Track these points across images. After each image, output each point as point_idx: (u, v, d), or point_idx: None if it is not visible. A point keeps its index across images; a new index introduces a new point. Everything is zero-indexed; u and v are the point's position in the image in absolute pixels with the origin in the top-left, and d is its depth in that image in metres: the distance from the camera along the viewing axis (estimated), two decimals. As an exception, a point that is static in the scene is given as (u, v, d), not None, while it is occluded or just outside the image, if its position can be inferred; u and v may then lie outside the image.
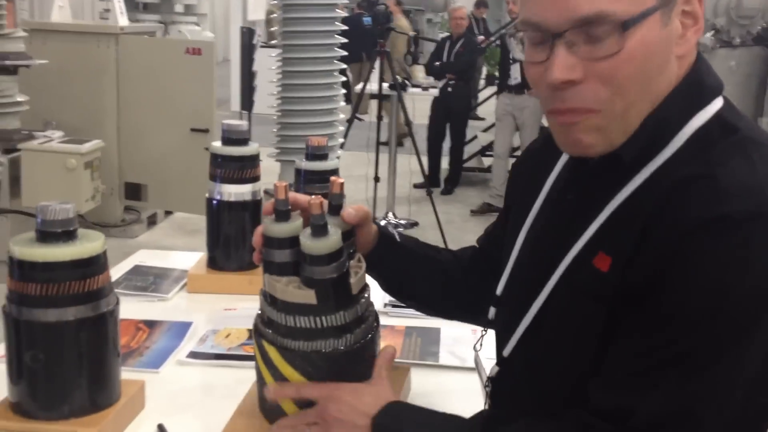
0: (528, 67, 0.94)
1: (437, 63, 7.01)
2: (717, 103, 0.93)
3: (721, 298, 0.82)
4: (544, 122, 7.62)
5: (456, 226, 6.33)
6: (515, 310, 1.05)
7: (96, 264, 1.21)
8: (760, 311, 0.83)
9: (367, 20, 7.52)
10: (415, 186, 7.07)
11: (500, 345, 1.10)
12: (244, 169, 1.87)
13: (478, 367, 1.53)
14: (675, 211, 0.84)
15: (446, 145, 7.46)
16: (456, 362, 1.58)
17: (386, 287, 1.30)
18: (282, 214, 1.05)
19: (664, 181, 0.88)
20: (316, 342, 1.05)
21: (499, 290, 1.15)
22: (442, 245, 5.60)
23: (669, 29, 0.88)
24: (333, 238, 1.02)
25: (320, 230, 1.01)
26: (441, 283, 1.29)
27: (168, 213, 6.00)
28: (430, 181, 6.89)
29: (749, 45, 5.14)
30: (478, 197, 7.35)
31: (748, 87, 5.10)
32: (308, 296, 1.03)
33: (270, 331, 1.09)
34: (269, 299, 1.08)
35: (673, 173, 0.88)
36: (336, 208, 1.09)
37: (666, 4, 0.87)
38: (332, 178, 1.08)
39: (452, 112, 7.19)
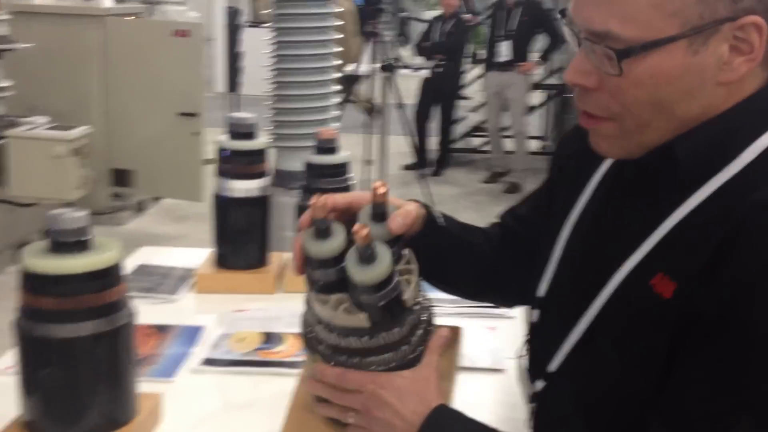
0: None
1: (427, 43, 6.94)
2: None
3: None
4: (534, 101, 7.63)
5: (448, 207, 6.26)
6: (562, 321, 0.99)
7: (112, 275, 1.15)
8: None
9: (358, 0, 7.41)
10: (406, 168, 7.04)
11: (545, 357, 1.04)
12: (253, 163, 1.80)
13: (520, 376, 1.47)
14: (753, 240, 0.79)
15: (433, 125, 7.39)
16: (476, 363, 1.54)
17: (421, 270, 1.23)
18: (322, 232, 0.97)
19: (736, 201, 0.82)
20: (370, 358, 0.98)
21: (541, 291, 1.09)
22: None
23: (703, 57, 0.83)
24: (382, 266, 0.93)
25: (368, 258, 0.93)
26: (474, 269, 1.23)
27: (156, 199, 5.91)
28: (418, 162, 6.87)
29: None
30: (467, 178, 7.32)
31: None
32: (360, 320, 0.96)
33: (321, 347, 1.02)
34: (317, 318, 1.01)
35: (743, 194, 0.82)
36: (380, 216, 1.01)
37: (698, 32, 0.82)
38: (374, 185, 0.99)
39: (441, 93, 7.12)
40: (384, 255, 0.94)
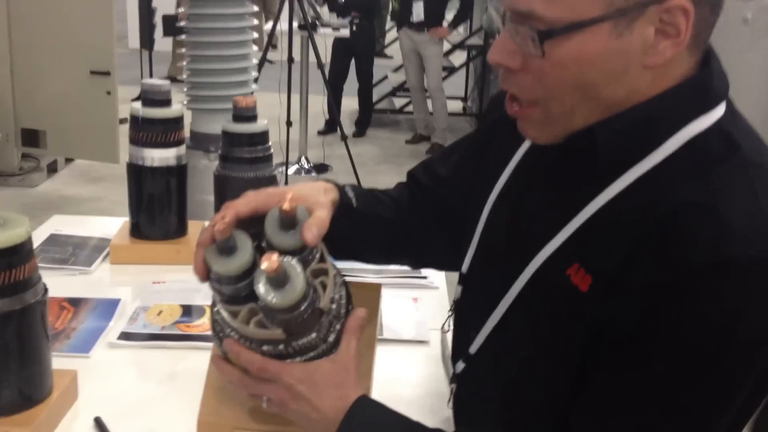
0: None
1: (341, 0, 6.82)
2: (719, 110, 0.86)
3: (717, 348, 0.77)
4: (455, 61, 7.65)
5: (368, 169, 6.28)
6: (483, 302, 0.99)
7: (21, 252, 1.11)
8: (753, 361, 0.79)
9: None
10: (319, 133, 6.97)
11: (466, 338, 1.04)
12: (168, 132, 1.76)
13: (443, 350, 1.49)
14: (674, 245, 0.77)
15: (353, 86, 7.32)
16: (399, 335, 1.55)
17: (330, 249, 1.22)
18: (226, 250, 0.91)
19: (655, 196, 0.81)
20: (288, 359, 0.94)
21: (464, 267, 1.09)
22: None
23: (628, 40, 0.80)
24: (296, 289, 0.88)
25: (280, 283, 0.88)
26: (384, 239, 1.21)
27: (69, 160, 5.73)
28: (329, 124, 6.80)
29: None
30: (389, 139, 7.32)
31: (764, 40, 4.81)
32: (275, 333, 0.91)
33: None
34: (228, 328, 0.95)
35: (664, 190, 0.81)
36: (289, 224, 0.94)
37: (622, 14, 0.79)
38: (283, 199, 0.92)
39: (357, 52, 6.99)
40: (296, 276, 0.89)
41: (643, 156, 0.84)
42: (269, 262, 0.86)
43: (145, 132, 1.75)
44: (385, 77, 8.39)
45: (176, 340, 1.45)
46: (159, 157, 1.76)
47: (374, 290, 1.12)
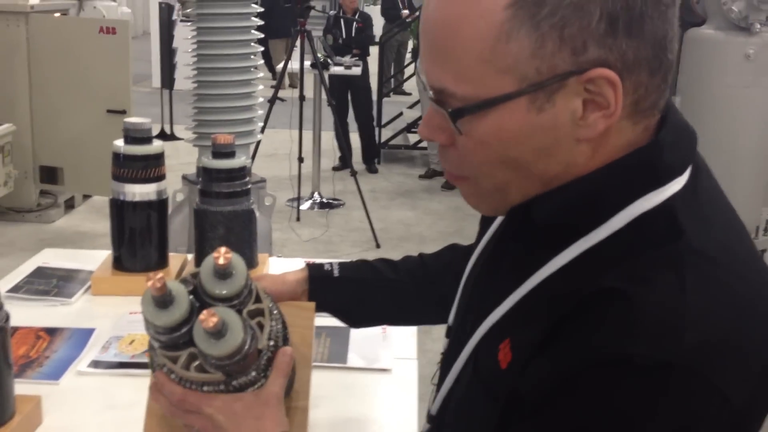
0: None
1: (341, 39, 6.90)
2: (674, 186, 0.78)
3: None
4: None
5: (382, 204, 6.34)
6: (448, 361, 0.97)
7: (-18, 282, 1.17)
8: None
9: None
10: (333, 169, 7.03)
11: (434, 396, 1.01)
12: (149, 168, 1.82)
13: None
14: (580, 333, 0.72)
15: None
16: (364, 364, 1.59)
17: (346, 322, 1.27)
18: (162, 303, 0.92)
19: (588, 277, 0.75)
20: (227, 395, 0.98)
21: (450, 319, 1.07)
22: (367, 224, 5.48)
23: (551, 113, 0.75)
24: (235, 339, 0.91)
25: (218, 334, 0.91)
26: (401, 303, 1.25)
27: (86, 197, 5.86)
28: (343, 160, 6.83)
29: None
30: (403, 174, 7.38)
31: (766, 77, 4.61)
32: (215, 376, 0.95)
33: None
34: (166, 370, 0.98)
35: (596, 272, 0.74)
36: (224, 275, 0.97)
37: (538, 88, 0.74)
38: (214, 253, 0.95)
39: (353, 88, 7.01)
40: (235, 325, 0.92)
41: (586, 231, 0.78)
42: (208, 321, 0.88)
43: (126, 168, 1.82)
44: (401, 114, 8.48)
45: (144, 368, 1.50)
46: (140, 192, 1.83)
47: (308, 309, 1.17)
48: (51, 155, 5.25)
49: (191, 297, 0.95)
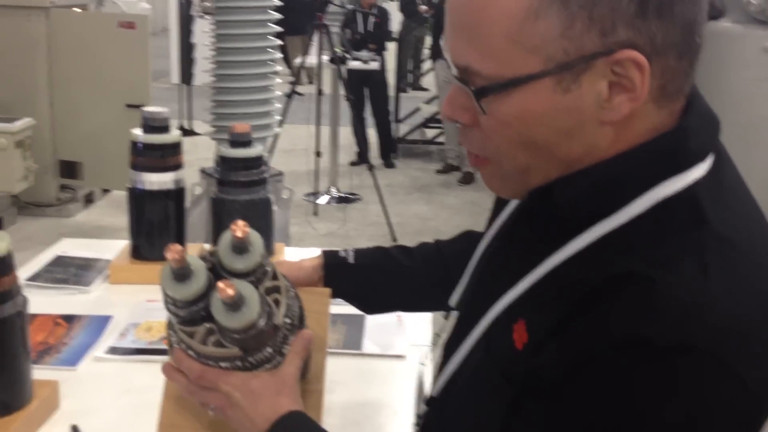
0: None
1: (357, 34, 6.89)
2: (696, 171, 0.77)
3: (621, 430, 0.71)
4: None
5: (399, 198, 6.34)
6: (453, 344, 0.96)
7: (0, 266, 1.18)
8: None
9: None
10: (351, 164, 7.03)
11: (436, 378, 1.01)
12: (166, 156, 1.84)
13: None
14: (600, 315, 0.71)
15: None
16: (378, 350, 1.59)
17: (363, 309, 1.28)
18: (181, 276, 0.93)
19: (608, 260, 0.74)
20: (244, 373, 0.99)
21: (453, 301, 1.07)
22: (384, 218, 5.47)
23: (576, 95, 0.74)
24: (252, 310, 0.92)
25: (235, 306, 0.92)
26: (417, 290, 1.25)
27: (105, 191, 5.89)
28: (361, 156, 6.83)
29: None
30: (421, 169, 7.38)
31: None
32: (232, 351, 0.96)
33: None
34: (184, 346, 0.99)
35: (616, 257, 0.74)
36: (241, 249, 0.98)
37: (565, 68, 0.73)
38: (233, 225, 0.96)
39: (370, 83, 7.01)
40: (252, 298, 0.93)
41: (606, 215, 0.77)
42: (225, 291, 0.89)
43: (144, 157, 1.83)
44: (418, 109, 8.47)
45: (162, 354, 1.51)
46: (157, 181, 1.84)
47: (324, 294, 1.17)
48: (71, 150, 5.29)
49: (209, 273, 0.96)
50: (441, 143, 7.69)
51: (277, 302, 1.00)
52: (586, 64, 0.73)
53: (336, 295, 1.19)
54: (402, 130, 8.04)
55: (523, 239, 0.89)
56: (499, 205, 1.03)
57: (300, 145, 6.49)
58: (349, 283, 1.21)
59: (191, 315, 0.96)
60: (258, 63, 3.81)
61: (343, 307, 1.70)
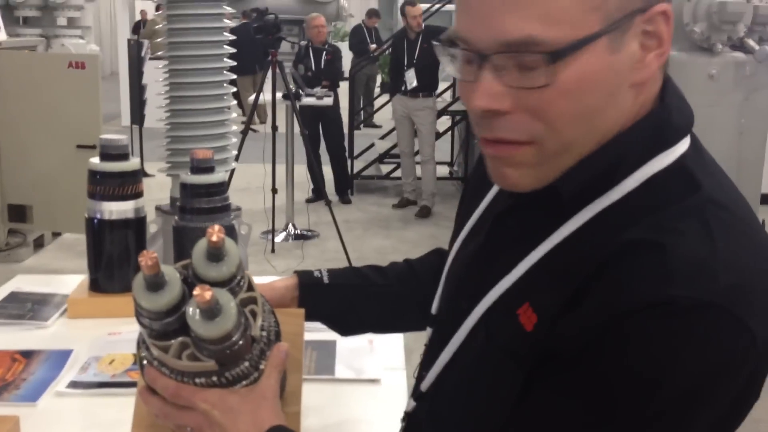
0: (460, 85, 0.83)
1: (309, 72, 6.89)
2: (682, 146, 0.81)
3: (651, 390, 0.72)
4: (440, 127, 7.76)
5: (356, 234, 6.31)
6: (438, 340, 0.96)
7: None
8: (692, 409, 0.73)
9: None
10: (307, 201, 6.99)
11: (420, 376, 1.01)
12: (125, 185, 1.78)
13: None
14: (616, 282, 0.73)
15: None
16: (352, 375, 1.55)
17: (337, 330, 1.24)
18: (154, 285, 0.89)
19: (608, 235, 0.76)
20: (221, 390, 0.94)
21: (433, 309, 1.06)
22: (343, 254, 5.46)
23: (621, 55, 0.75)
24: (228, 320, 0.88)
25: (212, 314, 0.87)
26: (392, 309, 1.23)
27: (56, 234, 5.76)
28: (316, 192, 6.78)
29: (730, 51, 4.72)
30: (377, 204, 7.37)
31: (730, 95, 4.72)
32: (207, 365, 0.91)
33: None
34: (157, 362, 0.93)
35: (617, 228, 0.76)
36: (216, 257, 0.94)
37: (616, 27, 0.74)
38: (209, 230, 0.92)
39: (325, 120, 7.01)
40: (229, 306, 0.89)
41: (600, 194, 0.79)
42: (202, 296, 0.85)
43: (103, 185, 1.77)
44: (372, 145, 8.49)
45: (126, 386, 1.44)
46: (117, 209, 1.78)
47: (298, 316, 1.13)
48: (20, 193, 5.16)
49: (183, 285, 0.91)
50: (397, 178, 7.70)
51: (253, 313, 0.96)
52: (630, 22, 0.75)
53: (310, 316, 1.15)
54: (357, 166, 8.04)
55: (513, 227, 0.89)
56: (466, 208, 1.04)
57: (255, 183, 6.42)
58: (324, 304, 1.17)
59: (164, 327, 0.90)
60: (212, 98, 3.76)
61: (313, 333, 1.66)
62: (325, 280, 1.20)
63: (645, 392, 0.72)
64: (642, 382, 0.72)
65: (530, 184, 0.83)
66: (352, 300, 1.21)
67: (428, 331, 1.06)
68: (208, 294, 0.86)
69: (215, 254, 0.94)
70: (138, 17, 15.04)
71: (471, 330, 0.89)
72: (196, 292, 0.86)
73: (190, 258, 0.97)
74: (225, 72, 3.81)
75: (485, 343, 0.87)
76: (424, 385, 0.97)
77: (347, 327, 1.25)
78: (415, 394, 1.01)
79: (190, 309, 0.89)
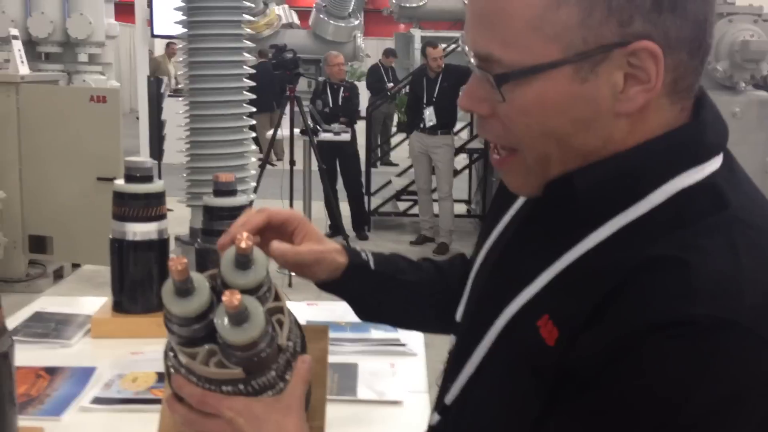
0: None
1: (327, 108, 6.96)
2: (713, 164, 0.79)
3: (671, 413, 0.70)
4: (458, 165, 7.79)
5: (373, 270, 6.30)
6: (463, 351, 0.94)
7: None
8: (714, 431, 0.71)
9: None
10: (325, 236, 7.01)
11: (444, 387, 0.98)
12: (150, 206, 1.81)
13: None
14: (638, 299, 0.72)
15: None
16: (374, 396, 1.55)
17: (358, 314, 1.22)
18: (183, 291, 0.89)
19: (632, 249, 0.75)
20: (248, 398, 0.93)
21: (458, 316, 1.04)
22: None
23: (593, 85, 0.76)
24: (256, 327, 0.88)
25: (240, 320, 0.88)
26: (422, 306, 1.22)
27: (75, 266, 5.79)
28: (333, 228, 6.80)
29: (753, 90, 4.76)
30: (394, 241, 7.37)
31: (753, 134, 4.71)
32: (234, 373, 0.91)
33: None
34: (184, 370, 0.93)
35: (641, 244, 0.75)
36: (244, 264, 0.94)
37: (584, 58, 0.75)
38: (237, 237, 0.92)
39: (342, 154, 7.05)
40: (257, 313, 0.89)
41: (625, 207, 0.78)
42: (231, 299, 0.86)
43: (128, 207, 1.80)
44: (389, 182, 8.52)
45: (149, 403, 1.45)
46: (141, 231, 1.80)
47: (322, 331, 1.13)
48: (41, 224, 5.21)
49: (212, 292, 0.91)
50: (414, 215, 7.71)
51: (280, 323, 0.95)
52: (603, 54, 0.75)
53: (345, 296, 1.13)
54: (374, 203, 8.06)
55: (534, 238, 0.89)
56: (494, 214, 1.03)
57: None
58: (360, 287, 1.14)
59: (193, 334, 0.91)
60: (232, 130, 3.81)
61: (334, 357, 1.67)
62: (372, 265, 1.16)
63: (664, 416, 0.70)
64: (662, 405, 0.70)
65: (529, 189, 0.87)
66: (385, 290, 1.19)
67: (452, 338, 1.05)
68: (236, 299, 0.86)
69: (243, 262, 0.94)
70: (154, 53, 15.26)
71: (494, 342, 0.88)
72: (225, 296, 0.86)
73: (216, 269, 0.98)
74: (244, 105, 3.88)
75: (507, 356, 0.86)
76: (449, 398, 0.96)
77: (370, 313, 1.22)
78: (439, 407, 1.00)
79: (219, 315, 0.89)
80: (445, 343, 1.17)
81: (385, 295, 1.18)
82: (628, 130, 0.79)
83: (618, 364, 0.71)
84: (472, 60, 0.80)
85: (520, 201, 0.99)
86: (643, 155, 0.79)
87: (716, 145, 0.81)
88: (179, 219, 4.38)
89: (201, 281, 0.92)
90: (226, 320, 0.88)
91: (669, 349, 0.69)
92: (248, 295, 0.94)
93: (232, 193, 1.84)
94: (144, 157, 1.85)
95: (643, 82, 0.76)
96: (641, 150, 0.79)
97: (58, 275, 5.64)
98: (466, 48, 0.81)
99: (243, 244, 0.92)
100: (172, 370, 0.97)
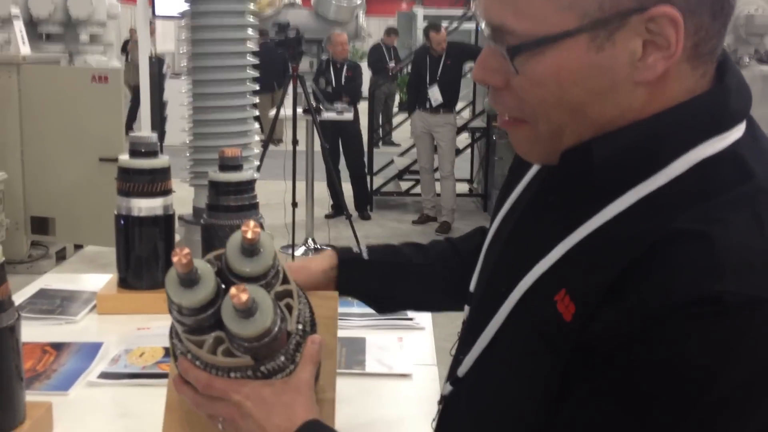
0: None
1: (329, 87, 6.92)
2: (736, 133, 0.76)
3: (694, 394, 0.68)
4: (460, 144, 7.77)
5: (376, 249, 6.30)
6: (476, 323, 0.92)
7: (-7, 276, 1.12)
8: (742, 416, 0.68)
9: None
10: (326, 216, 7.00)
11: (457, 359, 0.97)
12: (155, 182, 1.79)
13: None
14: (660, 275, 0.69)
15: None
16: (383, 369, 1.54)
17: (376, 309, 1.23)
18: (188, 282, 0.86)
19: (653, 221, 0.72)
20: (255, 381, 0.92)
21: (471, 286, 1.02)
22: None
23: (610, 54, 0.73)
24: (265, 318, 0.86)
25: (247, 313, 0.85)
26: (433, 288, 1.21)
27: (78, 247, 5.78)
28: (336, 208, 6.78)
29: (758, 64, 4.69)
30: (397, 220, 7.36)
31: (758, 109, 4.82)
32: (243, 360, 0.89)
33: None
34: (190, 356, 0.92)
35: (662, 217, 0.72)
36: (251, 252, 0.92)
37: (600, 26, 0.72)
38: (243, 227, 0.89)
39: (344, 134, 7.02)
40: (265, 305, 0.87)
41: (645, 177, 0.75)
42: (239, 297, 0.83)
43: (133, 182, 1.78)
44: (392, 161, 8.50)
45: (157, 378, 1.44)
46: (146, 206, 1.79)
47: (332, 299, 1.12)
48: (43, 205, 5.20)
49: (218, 279, 0.89)
50: (417, 194, 7.69)
51: (289, 307, 0.94)
52: (620, 22, 0.72)
53: (348, 292, 1.14)
54: (376, 182, 8.04)
55: (549, 209, 0.86)
56: (508, 186, 1.01)
57: (275, 199, 6.44)
58: (363, 281, 1.16)
59: (199, 323, 0.88)
60: (234, 108, 3.78)
61: (342, 331, 1.66)
62: (365, 256, 1.17)
63: (689, 397, 0.68)
64: (686, 386, 0.68)
65: (538, 157, 0.86)
66: (392, 278, 1.19)
67: (466, 309, 1.04)
68: (244, 296, 0.83)
69: (250, 250, 0.92)
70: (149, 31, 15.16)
71: (509, 315, 0.86)
72: (233, 293, 0.83)
73: (223, 248, 0.95)
74: (248, 83, 3.84)
75: (523, 330, 0.83)
76: (461, 371, 0.94)
77: (385, 305, 1.23)
78: (451, 377, 0.99)
79: (226, 308, 0.86)
80: (451, 320, 1.16)
81: (392, 283, 1.18)
82: (647, 99, 0.76)
83: (641, 343, 0.69)
84: (486, 31, 0.78)
85: (534, 169, 0.97)
86: (664, 123, 0.75)
87: (740, 112, 0.78)
88: (182, 200, 4.37)
89: (206, 270, 0.88)
90: (233, 313, 0.86)
91: (693, 328, 0.67)
92: (255, 281, 0.92)
93: (238, 167, 1.82)
94: (148, 132, 1.83)
95: (662, 48, 0.72)
96: (661, 118, 0.76)
97: (61, 256, 5.63)
98: (479, 17, 0.79)
99: (250, 234, 0.89)
100: (178, 352, 0.95)
